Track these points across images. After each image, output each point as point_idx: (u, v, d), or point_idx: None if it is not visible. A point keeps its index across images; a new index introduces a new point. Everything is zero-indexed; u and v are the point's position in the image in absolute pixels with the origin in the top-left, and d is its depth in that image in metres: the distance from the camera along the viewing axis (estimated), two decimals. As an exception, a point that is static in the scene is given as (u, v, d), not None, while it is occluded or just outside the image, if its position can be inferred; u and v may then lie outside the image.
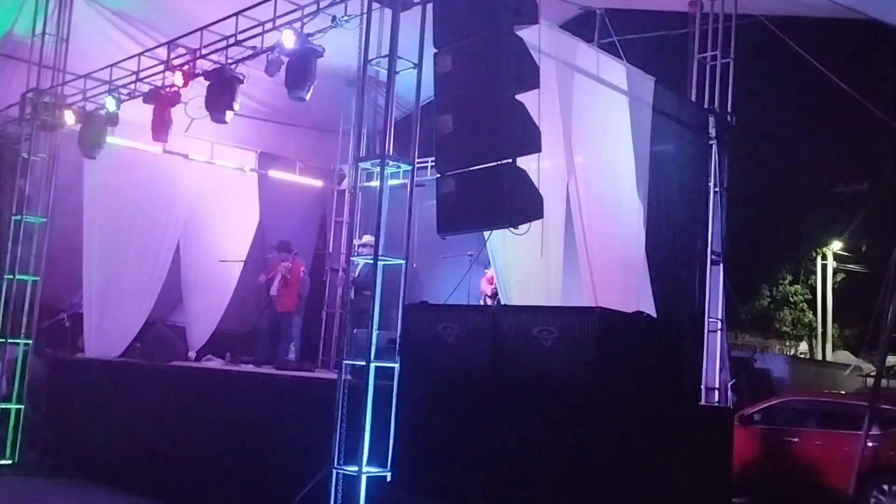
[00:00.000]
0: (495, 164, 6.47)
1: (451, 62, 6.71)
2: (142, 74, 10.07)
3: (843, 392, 15.74)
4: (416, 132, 7.19)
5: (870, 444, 9.87)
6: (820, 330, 31.40)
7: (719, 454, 8.07)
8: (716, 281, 9.75)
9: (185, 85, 9.52)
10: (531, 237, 7.24)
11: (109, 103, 10.25)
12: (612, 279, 8.77)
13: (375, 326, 6.80)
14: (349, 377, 6.98)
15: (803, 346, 32.49)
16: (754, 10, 10.16)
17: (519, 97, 6.44)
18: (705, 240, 9.67)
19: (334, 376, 7.28)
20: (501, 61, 6.47)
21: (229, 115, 9.24)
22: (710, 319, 9.59)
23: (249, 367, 10.84)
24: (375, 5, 7.29)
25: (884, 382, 11.58)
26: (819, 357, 30.08)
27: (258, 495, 7.97)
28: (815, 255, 31.89)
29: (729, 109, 9.99)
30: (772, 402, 11.89)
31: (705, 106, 9.96)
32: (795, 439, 10.96)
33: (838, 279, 32.18)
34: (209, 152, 12.64)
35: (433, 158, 7.19)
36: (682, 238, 9.54)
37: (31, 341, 10.60)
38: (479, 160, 6.56)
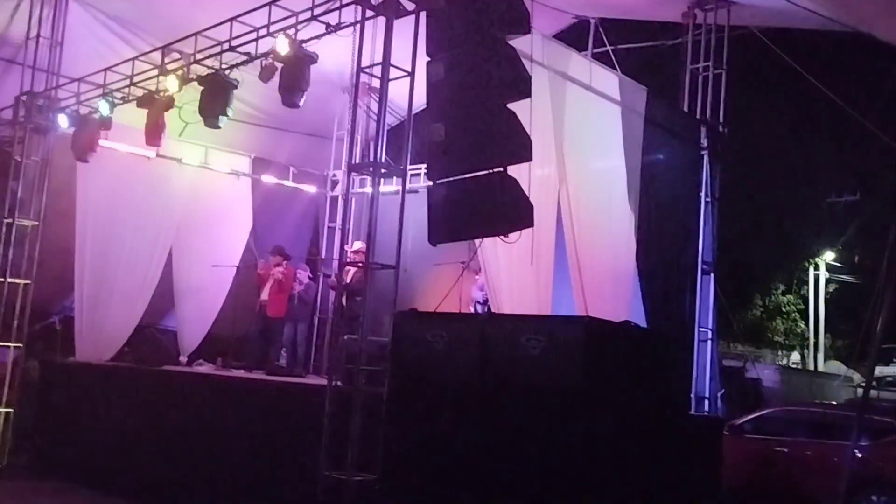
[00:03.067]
0: (487, 172, 6.51)
1: (443, 70, 6.74)
2: (136, 78, 10.07)
3: (833, 402, 15.77)
4: (409, 139, 7.22)
5: (859, 454, 9.89)
6: (812, 340, 31.47)
7: (709, 464, 8.08)
8: (707, 290, 9.80)
9: (180, 89, 9.53)
10: (522, 245, 7.26)
11: (103, 107, 10.24)
12: (603, 288, 8.80)
13: (365, 333, 6.81)
14: (339, 383, 6.99)
15: (795, 356, 32.53)
16: (747, 21, 10.24)
17: (511, 106, 6.47)
18: (696, 249, 9.72)
19: (325, 382, 7.29)
20: (493, 70, 6.50)
21: (223, 120, 9.24)
22: (701, 329, 9.65)
23: (240, 373, 10.83)
24: (369, 13, 7.32)
25: (873, 393, 11.60)
26: (811, 367, 30.14)
27: (248, 499, 7.95)
28: (807, 265, 31.98)
29: (721, 120, 10.06)
30: (762, 412, 11.90)
31: (697, 116, 10.03)
32: (786, 449, 10.98)
33: (830, 289, 32.27)
34: (203, 157, 12.63)
35: (425, 165, 7.22)
36: (673, 247, 9.59)
37: (21, 345, 10.57)
38: (471, 168, 6.60)
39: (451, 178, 6.73)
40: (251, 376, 10.37)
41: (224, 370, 11.27)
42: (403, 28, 7.15)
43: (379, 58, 7.12)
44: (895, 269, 9.11)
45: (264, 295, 11.73)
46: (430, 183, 6.91)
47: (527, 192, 6.60)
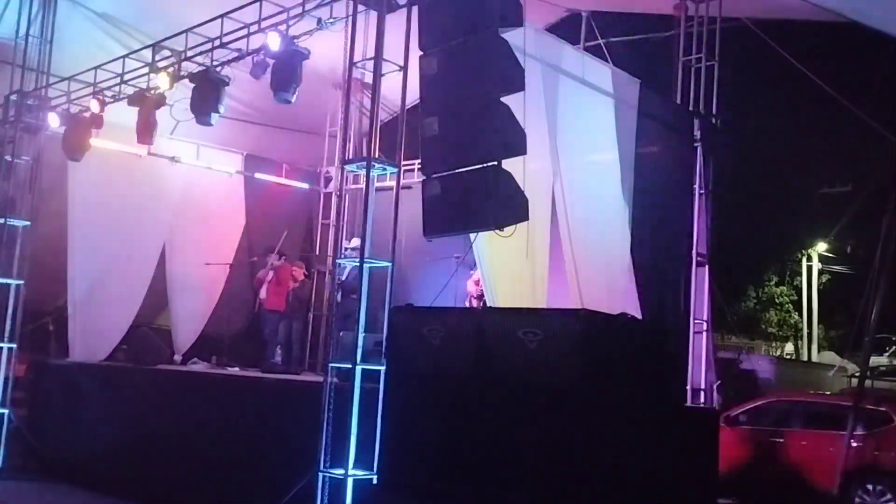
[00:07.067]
0: (481, 166, 6.49)
1: (436, 64, 6.72)
2: (126, 76, 10.03)
3: (828, 392, 15.81)
4: (402, 134, 7.19)
5: (854, 444, 9.93)
6: (805, 331, 31.56)
7: (705, 455, 8.10)
8: (701, 282, 9.81)
9: (171, 87, 9.48)
10: (517, 239, 7.25)
11: (94, 105, 10.19)
12: (598, 281, 8.80)
13: (361, 329, 6.79)
14: (335, 380, 6.97)
15: (789, 347, 32.62)
16: (739, 12, 10.23)
17: (504, 99, 6.45)
18: (690, 241, 9.72)
19: (321, 379, 7.27)
20: (487, 64, 6.49)
21: (215, 117, 9.20)
22: (696, 321, 9.65)
23: (235, 371, 10.81)
24: (361, 8, 7.29)
25: (868, 383, 11.63)
26: (805, 358, 30.22)
27: (244, 499, 7.93)
28: (800, 256, 32.07)
29: (714, 111, 10.06)
30: (758, 403, 11.93)
31: (690, 108, 10.03)
32: (781, 440, 11.01)
33: (823, 280, 32.37)
34: (195, 155, 12.59)
35: (419, 160, 7.20)
36: (667, 240, 9.59)
37: (14, 345, 10.52)
38: (465, 162, 6.58)
39: (446, 173, 6.72)
40: (246, 374, 10.34)
41: (219, 368, 11.25)
42: (396, 22, 7.12)
43: (371, 52, 7.08)
44: (888, 260, 9.14)
45: (262, 293, 11.71)
46: (425, 178, 6.89)
47: (521, 186, 6.59)
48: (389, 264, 6.96)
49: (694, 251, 9.72)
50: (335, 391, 6.86)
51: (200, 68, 9.27)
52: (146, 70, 9.80)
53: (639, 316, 8.54)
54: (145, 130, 9.81)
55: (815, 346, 31.19)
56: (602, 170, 9.03)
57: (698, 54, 10.06)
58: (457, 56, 6.65)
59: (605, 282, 8.80)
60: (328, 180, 13.99)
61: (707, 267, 9.84)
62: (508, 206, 6.50)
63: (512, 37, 6.65)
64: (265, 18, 8.54)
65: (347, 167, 9.89)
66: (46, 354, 11.55)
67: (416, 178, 9.75)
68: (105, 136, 10.75)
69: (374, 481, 6.65)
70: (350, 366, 6.73)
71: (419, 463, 6.63)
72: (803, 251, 31.84)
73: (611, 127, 8.91)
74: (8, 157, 10.72)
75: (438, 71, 6.70)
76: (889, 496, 9.98)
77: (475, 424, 6.50)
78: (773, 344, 32.26)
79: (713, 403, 9.63)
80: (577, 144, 9.02)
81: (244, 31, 8.81)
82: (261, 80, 8.76)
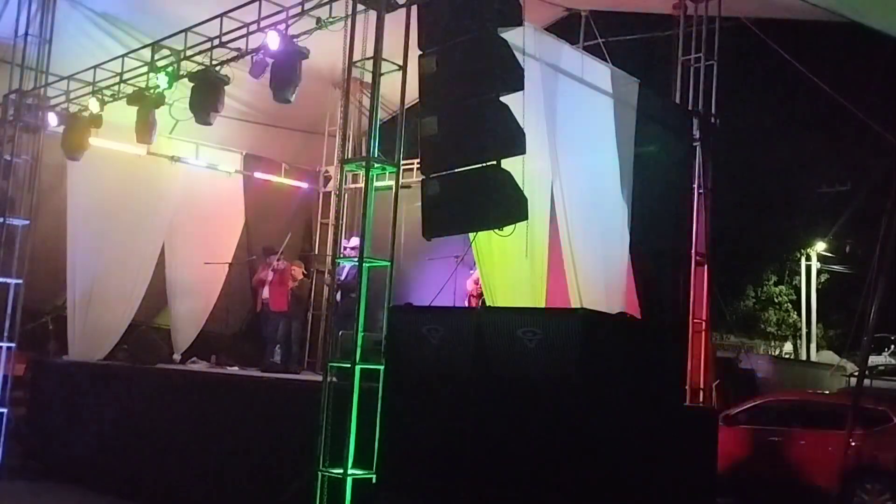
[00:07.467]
0: (480, 165, 6.49)
1: (435, 64, 6.71)
2: (126, 76, 10.02)
3: (826, 392, 15.82)
4: (401, 134, 7.19)
5: (853, 443, 9.93)
6: (804, 330, 31.59)
7: (704, 454, 8.10)
8: (700, 282, 9.83)
9: (170, 86, 9.48)
10: (516, 238, 7.25)
11: (93, 105, 10.19)
12: (597, 280, 8.80)
13: (361, 328, 6.79)
14: (334, 379, 6.97)
15: (788, 347, 32.65)
16: (738, 12, 10.25)
17: (503, 99, 6.45)
18: (690, 241, 9.74)
19: (320, 379, 7.27)
20: (486, 63, 6.48)
21: (214, 116, 9.20)
22: (695, 320, 9.67)
23: (234, 370, 10.81)
24: (360, 7, 7.29)
25: (866, 382, 11.65)
26: (803, 357, 30.26)
27: (243, 498, 7.94)
28: (799, 255, 32.11)
29: (713, 111, 10.07)
30: (756, 402, 11.94)
31: (689, 108, 10.04)
32: (780, 439, 11.02)
33: (822, 280, 32.41)
34: (194, 154, 12.59)
35: (419, 160, 7.20)
36: (666, 239, 9.60)
37: (13, 344, 10.51)
38: (464, 162, 6.58)
39: (445, 173, 6.71)
40: (246, 374, 10.34)
41: (218, 368, 11.24)
42: (395, 22, 7.12)
43: (370, 52, 7.08)
44: (887, 259, 9.15)
45: (265, 293, 11.71)
46: (424, 177, 6.89)
47: (521, 186, 6.59)
48: (389, 264, 6.96)
49: (693, 251, 9.73)
50: (334, 391, 6.86)
51: (200, 67, 9.26)
52: (145, 69, 9.78)
53: (638, 316, 8.55)
54: (144, 130, 9.81)
55: (813, 346, 31.22)
56: (601, 169, 9.03)
57: (697, 54, 10.08)
58: (456, 55, 6.64)
59: (605, 281, 8.80)
60: (327, 180, 14.00)
61: (706, 266, 9.85)
62: (508, 206, 6.50)
63: (511, 36, 6.65)
64: (264, 18, 8.53)
65: (347, 167, 9.91)
66: (46, 353, 11.53)
67: (416, 177, 9.76)
68: (104, 136, 10.75)
69: (373, 481, 6.65)
70: (349, 365, 6.73)
71: (418, 462, 6.64)
72: (802, 250, 31.88)
73: (610, 126, 8.91)
74: (7, 157, 10.71)
75: (438, 70, 6.69)
76: (888, 496, 9.99)
77: (474, 424, 6.50)
78: (772, 343, 32.29)
79: (712, 403, 9.64)
80: (576, 144, 9.02)
81: (243, 31, 8.81)
82: (260, 80, 8.76)
